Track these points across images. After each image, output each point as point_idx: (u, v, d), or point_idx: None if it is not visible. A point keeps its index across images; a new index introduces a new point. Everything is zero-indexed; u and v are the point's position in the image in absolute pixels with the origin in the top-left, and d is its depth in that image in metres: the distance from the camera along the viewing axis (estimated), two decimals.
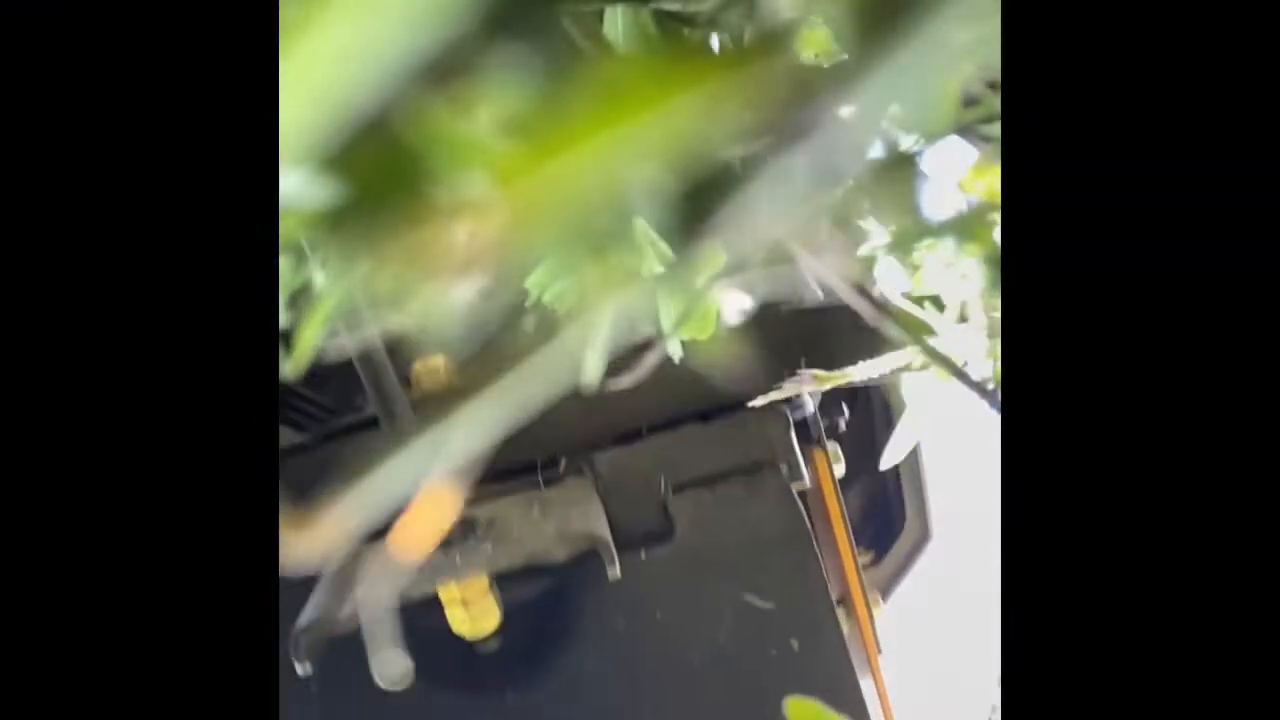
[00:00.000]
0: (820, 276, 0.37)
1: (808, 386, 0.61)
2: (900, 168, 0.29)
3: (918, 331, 0.41)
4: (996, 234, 0.37)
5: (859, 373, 0.61)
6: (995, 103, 0.34)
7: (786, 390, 0.64)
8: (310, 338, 0.32)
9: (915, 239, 0.32)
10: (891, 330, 0.39)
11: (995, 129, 0.34)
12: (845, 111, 0.27)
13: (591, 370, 0.32)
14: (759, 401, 0.70)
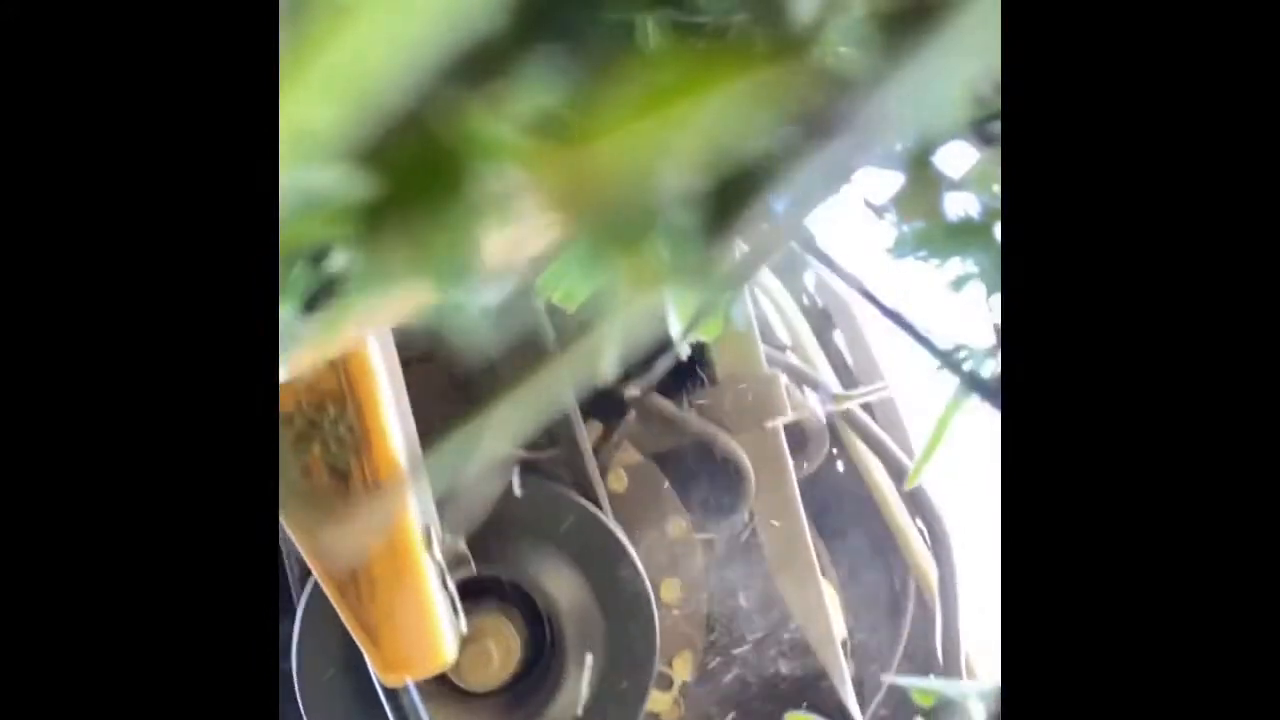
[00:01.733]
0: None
1: (826, 405, 0.60)
2: (920, 168, 0.29)
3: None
4: (997, 233, 0.37)
5: (876, 392, 0.60)
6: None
7: (804, 409, 0.63)
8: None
9: (927, 241, 0.32)
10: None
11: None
12: (866, 112, 0.27)
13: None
14: (777, 423, 0.67)
